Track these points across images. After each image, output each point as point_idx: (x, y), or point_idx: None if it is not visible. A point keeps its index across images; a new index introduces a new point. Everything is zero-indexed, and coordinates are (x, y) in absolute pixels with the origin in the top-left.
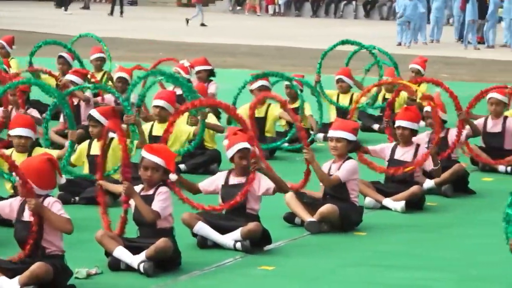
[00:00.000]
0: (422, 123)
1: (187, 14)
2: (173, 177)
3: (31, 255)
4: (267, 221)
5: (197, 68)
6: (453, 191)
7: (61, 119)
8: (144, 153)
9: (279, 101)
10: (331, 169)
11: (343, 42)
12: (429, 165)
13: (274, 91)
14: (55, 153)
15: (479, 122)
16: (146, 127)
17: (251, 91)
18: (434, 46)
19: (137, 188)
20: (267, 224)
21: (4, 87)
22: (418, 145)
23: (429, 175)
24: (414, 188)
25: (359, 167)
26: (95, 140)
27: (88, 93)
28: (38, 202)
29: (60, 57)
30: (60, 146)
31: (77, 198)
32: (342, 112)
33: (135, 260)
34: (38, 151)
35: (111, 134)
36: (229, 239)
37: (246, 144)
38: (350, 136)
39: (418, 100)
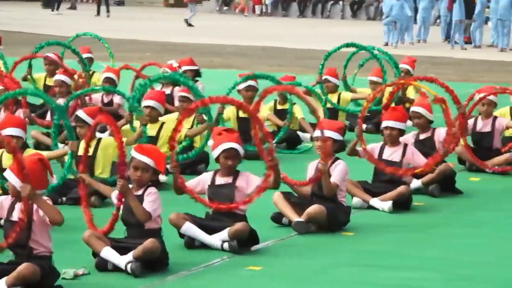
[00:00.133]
0: (409, 122)
1: (174, 14)
2: (163, 178)
3: (18, 253)
4: (254, 221)
5: (183, 68)
6: (440, 191)
7: (48, 117)
8: (134, 153)
9: (296, 93)
10: (318, 169)
11: (347, 45)
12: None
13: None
14: (45, 154)
15: (469, 122)
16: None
17: (238, 91)
18: (421, 46)
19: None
20: (255, 224)
21: (3, 96)
22: (406, 145)
23: (416, 175)
24: (401, 188)
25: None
26: (83, 141)
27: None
28: (33, 190)
29: (47, 57)
30: (46, 146)
31: (64, 198)
32: (331, 113)
33: (123, 260)
34: (28, 152)
35: (100, 135)
36: (217, 239)
37: (231, 144)
38: (336, 136)
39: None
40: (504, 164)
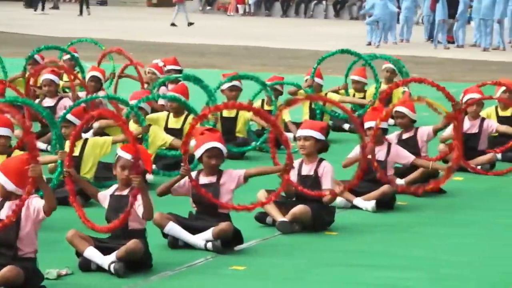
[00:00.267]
0: (391, 121)
1: (157, 14)
2: (150, 177)
3: (3, 254)
4: (238, 220)
5: (168, 67)
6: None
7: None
8: (121, 152)
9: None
10: (302, 170)
11: (342, 51)
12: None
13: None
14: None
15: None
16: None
17: (222, 91)
18: (404, 46)
19: (112, 188)
20: (239, 224)
21: None
22: (389, 144)
23: (400, 174)
24: (384, 188)
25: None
26: (68, 141)
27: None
28: (40, 169)
29: (30, 57)
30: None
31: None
32: (315, 113)
33: (106, 260)
34: (17, 153)
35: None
36: (200, 239)
37: (214, 144)
38: (318, 135)
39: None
40: (487, 163)
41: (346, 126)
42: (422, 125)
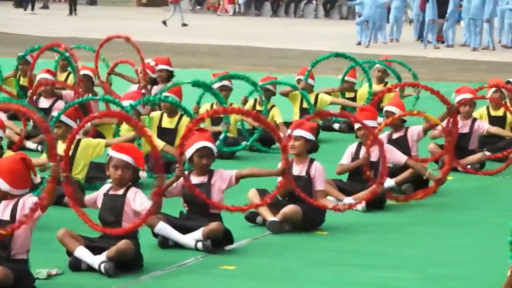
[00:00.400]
0: (380, 119)
1: (147, 13)
2: (143, 174)
3: None
4: (228, 220)
5: (160, 67)
6: (414, 190)
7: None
8: (112, 152)
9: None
10: (293, 170)
11: (336, 55)
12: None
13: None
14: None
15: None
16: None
17: None
18: (394, 46)
19: (105, 188)
20: (229, 224)
21: None
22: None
23: (391, 174)
24: (374, 187)
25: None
26: (60, 141)
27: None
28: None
29: (22, 57)
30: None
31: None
32: (306, 113)
33: (96, 260)
34: (8, 154)
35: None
36: (190, 239)
37: (204, 143)
38: (308, 135)
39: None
40: (477, 163)
41: (336, 126)
42: (412, 125)
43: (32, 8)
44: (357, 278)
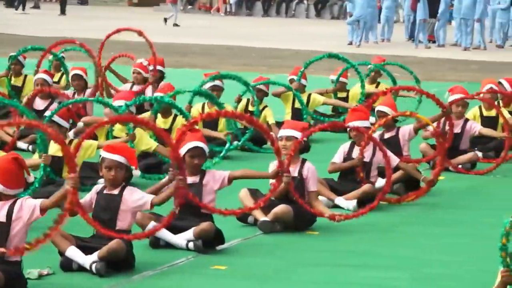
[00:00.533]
0: (371, 118)
1: (138, 13)
2: (136, 173)
3: None
4: (220, 220)
5: (152, 67)
6: (405, 189)
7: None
8: (104, 153)
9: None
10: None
11: (329, 56)
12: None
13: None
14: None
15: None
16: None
17: None
18: (385, 45)
19: (97, 187)
20: (220, 223)
21: None
22: (375, 145)
23: (383, 174)
24: (365, 187)
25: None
26: (52, 141)
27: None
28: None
29: (15, 57)
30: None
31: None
32: (297, 113)
33: (87, 260)
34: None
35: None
36: (182, 239)
37: (196, 143)
38: (300, 135)
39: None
40: (468, 162)
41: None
42: (404, 125)
43: (23, 8)
44: (349, 278)
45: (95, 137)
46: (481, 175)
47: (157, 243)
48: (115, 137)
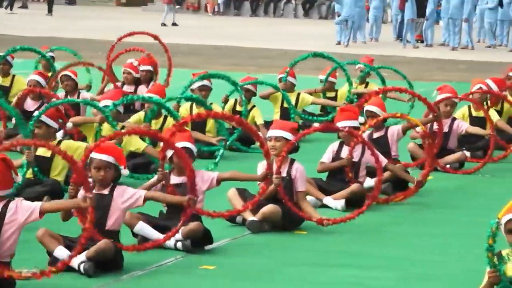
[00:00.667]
0: (361, 119)
1: (126, 13)
2: (124, 172)
3: None
4: (208, 220)
5: (143, 68)
6: (393, 189)
7: None
8: (93, 154)
9: None
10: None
11: (314, 55)
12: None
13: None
14: None
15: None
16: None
17: (192, 90)
18: (373, 45)
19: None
20: (209, 223)
21: None
22: (363, 145)
23: (372, 173)
24: (353, 187)
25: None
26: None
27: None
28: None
29: (1, 57)
30: None
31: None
32: (286, 112)
33: (76, 260)
34: None
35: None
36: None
37: (184, 144)
38: (289, 136)
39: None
40: (456, 162)
41: (316, 125)
42: (392, 125)
43: (11, 8)
44: (337, 277)
45: (84, 138)
46: (469, 175)
47: (145, 243)
48: (103, 137)
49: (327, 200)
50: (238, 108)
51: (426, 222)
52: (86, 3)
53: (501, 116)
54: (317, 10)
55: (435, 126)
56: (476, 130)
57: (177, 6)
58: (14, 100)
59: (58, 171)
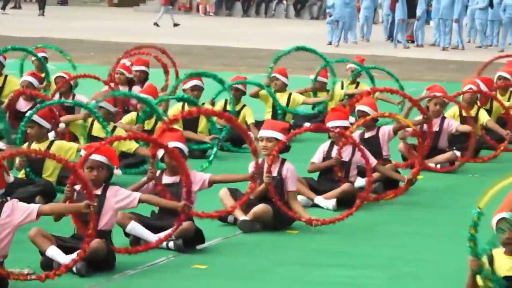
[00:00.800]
0: (351, 118)
1: (118, 13)
2: (117, 172)
3: None
4: (200, 219)
5: (136, 68)
6: (384, 189)
7: None
8: (85, 154)
9: None
10: (265, 170)
11: (297, 48)
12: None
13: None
14: None
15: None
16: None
17: (184, 90)
18: (364, 45)
19: (77, 187)
20: (200, 223)
21: None
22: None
23: (362, 173)
24: (344, 186)
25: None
26: (34, 142)
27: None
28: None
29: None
30: None
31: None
32: (278, 113)
33: (68, 260)
34: None
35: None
36: None
37: (175, 143)
38: (280, 136)
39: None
40: (446, 162)
41: (307, 125)
42: (384, 125)
43: (3, 8)
44: (329, 277)
45: (75, 138)
46: (459, 174)
47: (137, 243)
48: (94, 137)
49: (318, 199)
50: (229, 107)
51: (416, 221)
52: (78, 3)
53: (491, 115)
54: (308, 11)
55: (425, 126)
56: (467, 128)
57: (169, 7)
58: (6, 101)
59: (50, 171)
